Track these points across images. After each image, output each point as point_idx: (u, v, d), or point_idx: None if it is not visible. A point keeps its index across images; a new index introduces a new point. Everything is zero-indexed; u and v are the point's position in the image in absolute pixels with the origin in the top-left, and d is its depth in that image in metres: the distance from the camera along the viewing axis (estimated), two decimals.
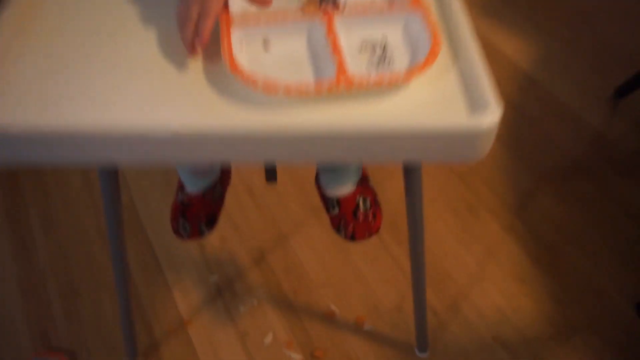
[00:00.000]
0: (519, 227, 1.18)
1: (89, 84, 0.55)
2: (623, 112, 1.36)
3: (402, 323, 1.05)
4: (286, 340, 1.04)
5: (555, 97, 1.41)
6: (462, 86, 0.55)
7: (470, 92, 0.54)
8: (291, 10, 0.59)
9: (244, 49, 0.57)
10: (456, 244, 1.16)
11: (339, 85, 0.52)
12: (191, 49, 0.54)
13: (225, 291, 1.11)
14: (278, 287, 1.11)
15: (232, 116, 0.53)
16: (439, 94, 0.54)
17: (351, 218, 0.88)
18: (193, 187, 0.89)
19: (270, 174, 0.86)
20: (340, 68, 0.54)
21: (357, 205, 0.88)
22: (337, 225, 0.90)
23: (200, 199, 0.89)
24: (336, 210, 0.89)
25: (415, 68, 0.54)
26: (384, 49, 0.57)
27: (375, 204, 0.91)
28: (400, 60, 0.57)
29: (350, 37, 0.58)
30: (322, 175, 0.89)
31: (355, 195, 0.88)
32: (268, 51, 0.57)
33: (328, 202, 0.90)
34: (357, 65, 0.56)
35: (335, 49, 0.55)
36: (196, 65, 0.57)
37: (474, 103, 0.53)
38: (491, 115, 0.51)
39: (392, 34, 0.58)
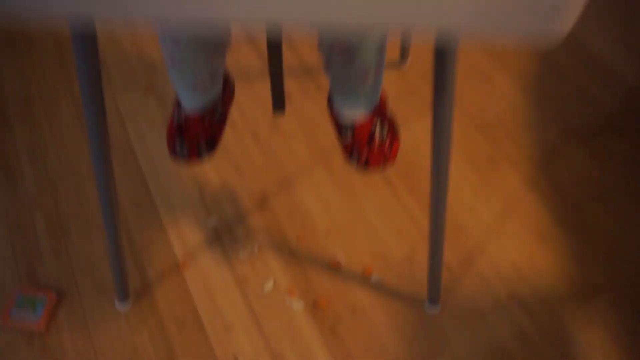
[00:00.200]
0: (542, 182, 1.10)
1: None
2: None
3: (412, 276, 0.98)
4: (288, 288, 0.98)
5: (588, 49, 1.30)
6: None
7: None
8: None
9: None
10: (473, 197, 1.08)
11: None
12: None
13: (224, 235, 1.04)
14: (281, 233, 1.04)
15: None
16: None
17: (365, 144, 0.79)
18: (191, 104, 0.79)
19: (278, 101, 0.77)
20: None
21: (373, 132, 0.79)
22: (350, 152, 0.81)
23: (199, 120, 0.80)
24: (349, 136, 0.80)
25: None
26: None
27: (393, 131, 0.82)
28: None
29: None
30: (336, 96, 0.80)
31: (371, 120, 0.79)
32: None
33: (341, 127, 0.81)
34: None
35: None
36: None
37: None
38: None
39: None
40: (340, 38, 0.68)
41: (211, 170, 1.13)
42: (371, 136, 0.79)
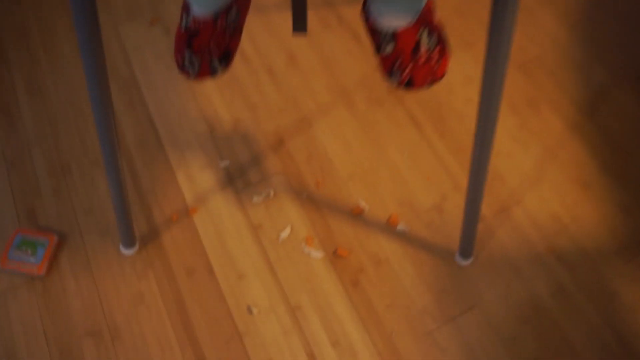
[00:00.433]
0: (587, 126, 0.99)
1: None
2: None
3: (442, 225, 0.90)
4: (305, 236, 0.90)
5: None
6: None
7: None
8: None
9: None
10: (511, 142, 0.98)
11: None
12: None
13: (237, 179, 0.96)
14: (298, 177, 0.96)
15: None
16: None
17: (409, 58, 0.68)
18: (201, 6, 0.68)
19: (299, 19, 0.66)
20: None
21: (419, 42, 0.68)
22: (390, 67, 0.70)
23: (211, 25, 0.69)
24: (390, 47, 0.68)
25: None
26: None
27: (442, 43, 0.70)
28: None
29: None
30: (374, 1, 0.68)
31: (416, 28, 0.68)
32: None
33: (380, 37, 0.69)
34: None
35: None
36: None
37: None
38: None
39: None
40: None
41: (223, 107, 1.04)
42: (416, 47, 0.68)
